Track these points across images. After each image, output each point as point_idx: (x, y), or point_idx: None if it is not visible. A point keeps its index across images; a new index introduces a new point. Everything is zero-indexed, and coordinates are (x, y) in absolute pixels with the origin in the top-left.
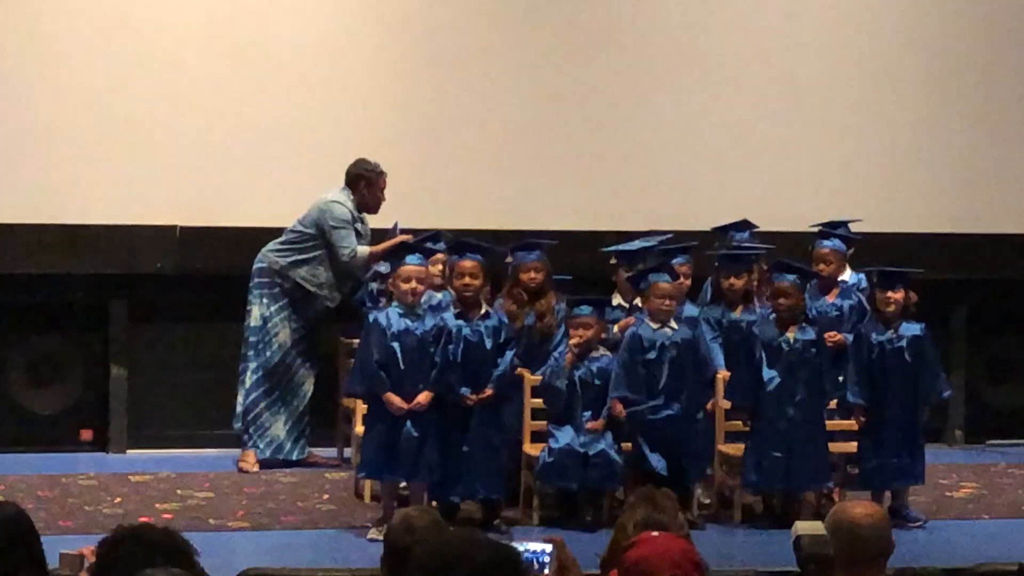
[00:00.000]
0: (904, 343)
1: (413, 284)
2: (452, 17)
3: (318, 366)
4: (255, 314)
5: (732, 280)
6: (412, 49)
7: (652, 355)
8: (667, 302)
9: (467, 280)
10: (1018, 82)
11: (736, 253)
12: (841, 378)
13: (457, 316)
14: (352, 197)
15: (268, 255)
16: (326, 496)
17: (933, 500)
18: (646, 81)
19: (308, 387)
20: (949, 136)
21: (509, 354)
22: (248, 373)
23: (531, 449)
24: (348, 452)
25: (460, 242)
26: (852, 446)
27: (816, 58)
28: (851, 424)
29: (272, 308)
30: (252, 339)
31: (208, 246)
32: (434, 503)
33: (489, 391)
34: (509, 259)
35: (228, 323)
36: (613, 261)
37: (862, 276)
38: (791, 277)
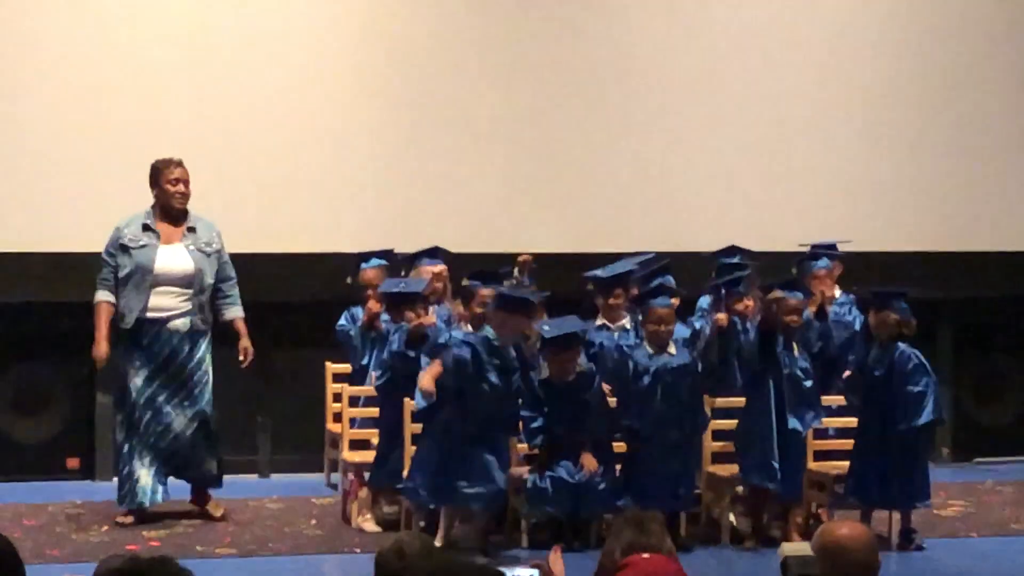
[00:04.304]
0: (885, 367)
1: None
2: (439, 39)
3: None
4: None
5: (746, 302)
6: (397, 71)
7: (646, 380)
8: (663, 327)
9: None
10: (1000, 102)
11: (737, 277)
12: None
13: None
14: (153, 206)
15: None
16: (313, 522)
17: (922, 518)
18: (631, 104)
19: None
20: (934, 155)
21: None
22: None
23: (520, 473)
24: (335, 477)
25: (481, 271)
26: (842, 465)
27: (801, 80)
28: (842, 443)
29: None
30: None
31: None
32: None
33: None
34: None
35: (213, 348)
36: (591, 287)
37: (850, 296)
38: (799, 295)
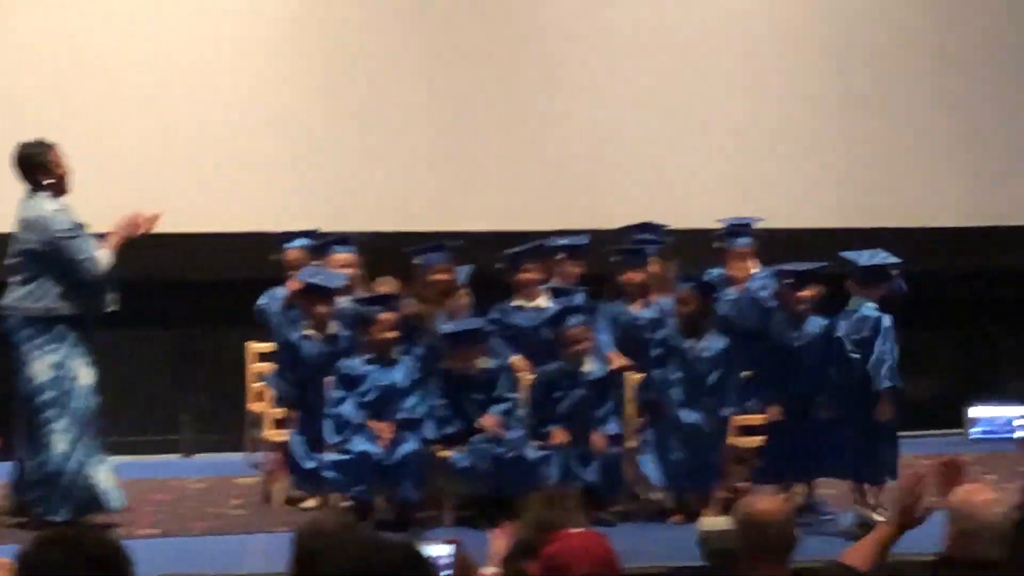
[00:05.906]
0: (810, 340)
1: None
2: (373, 14)
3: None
4: (40, 368)
5: (629, 274)
6: (327, 47)
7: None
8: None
9: (389, 334)
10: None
11: (632, 248)
12: None
13: (369, 361)
14: (49, 193)
15: (21, 304)
16: (236, 501)
17: (841, 493)
18: (556, 83)
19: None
20: (852, 132)
21: (416, 401)
22: (56, 434)
23: (443, 451)
24: (258, 457)
25: (379, 296)
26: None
27: (722, 56)
28: (759, 418)
29: (61, 352)
30: (51, 394)
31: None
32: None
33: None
34: (418, 260)
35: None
36: (499, 266)
37: (767, 271)
38: (687, 284)
